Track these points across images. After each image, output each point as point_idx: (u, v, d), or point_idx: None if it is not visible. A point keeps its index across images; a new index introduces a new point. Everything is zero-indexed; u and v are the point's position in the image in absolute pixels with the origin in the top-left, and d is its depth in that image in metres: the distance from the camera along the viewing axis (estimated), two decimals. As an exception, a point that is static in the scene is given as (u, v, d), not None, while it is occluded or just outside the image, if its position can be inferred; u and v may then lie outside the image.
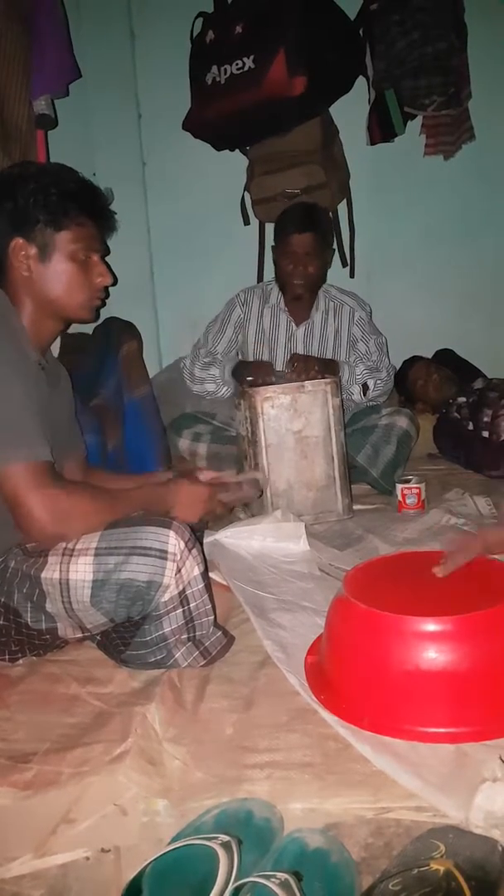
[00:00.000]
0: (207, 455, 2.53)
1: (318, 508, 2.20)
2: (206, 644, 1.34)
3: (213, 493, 1.58)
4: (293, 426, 2.16)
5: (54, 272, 1.40)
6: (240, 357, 2.68)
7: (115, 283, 1.50)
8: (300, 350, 2.62)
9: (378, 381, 2.57)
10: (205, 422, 2.62)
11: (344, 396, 2.33)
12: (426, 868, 0.82)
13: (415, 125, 3.20)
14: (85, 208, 1.42)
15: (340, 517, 2.21)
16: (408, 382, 3.04)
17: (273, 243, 2.65)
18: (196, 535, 1.36)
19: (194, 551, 1.29)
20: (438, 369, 3.01)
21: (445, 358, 3.17)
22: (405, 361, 3.08)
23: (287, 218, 2.62)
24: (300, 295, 2.58)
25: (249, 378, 2.39)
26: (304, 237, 2.51)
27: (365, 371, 2.56)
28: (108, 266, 1.48)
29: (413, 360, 3.10)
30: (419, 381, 3.00)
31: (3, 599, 1.34)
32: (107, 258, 1.50)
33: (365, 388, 2.55)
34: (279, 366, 2.57)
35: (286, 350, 2.63)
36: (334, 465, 2.19)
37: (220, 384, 2.59)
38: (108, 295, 1.53)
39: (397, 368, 2.89)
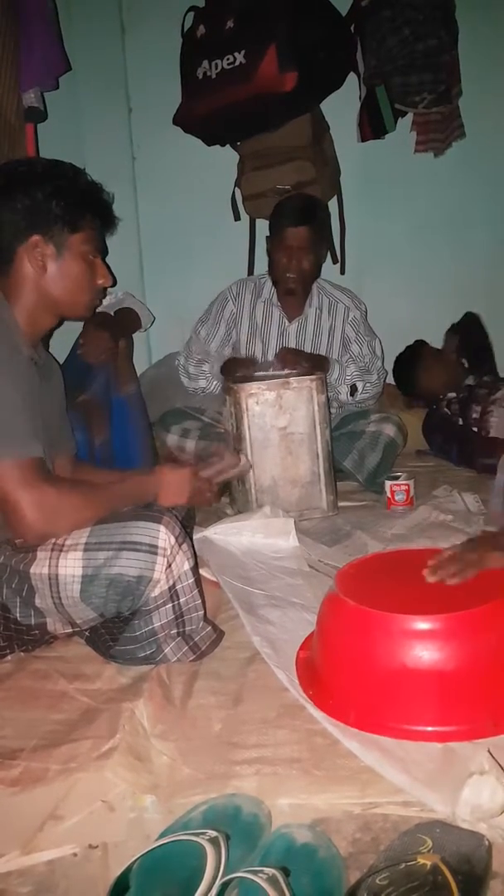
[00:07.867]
0: (195, 452, 2.52)
1: (302, 505, 2.20)
2: (196, 639, 1.34)
3: (195, 472, 1.61)
4: (278, 422, 2.15)
5: (65, 272, 1.41)
6: (233, 352, 2.65)
7: (114, 284, 1.50)
8: (292, 346, 2.60)
9: (368, 385, 2.57)
10: (194, 417, 2.59)
11: (330, 395, 2.32)
12: (413, 862, 0.82)
13: (405, 122, 3.20)
14: (96, 210, 1.44)
15: (325, 514, 2.21)
16: (414, 366, 2.99)
17: (267, 234, 2.61)
18: (186, 530, 1.36)
19: (184, 546, 1.29)
20: (447, 353, 2.99)
21: (470, 322, 3.10)
22: (407, 346, 3.05)
23: (283, 210, 2.57)
24: (292, 290, 2.56)
25: (238, 374, 2.37)
26: (299, 231, 2.46)
27: (356, 373, 2.54)
28: (109, 267, 1.49)
29: (415, 346, 3.06)
30: (428, 360, 2.95)
31: (-9, 595, 1.33)
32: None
33: (353, 389, 2.54)
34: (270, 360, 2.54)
35: (278, 346, 2.61)
36: (319, 462, 2.19)
37: (210, 380, 2.58)
38: (105, 295, 1.54)
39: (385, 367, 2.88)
